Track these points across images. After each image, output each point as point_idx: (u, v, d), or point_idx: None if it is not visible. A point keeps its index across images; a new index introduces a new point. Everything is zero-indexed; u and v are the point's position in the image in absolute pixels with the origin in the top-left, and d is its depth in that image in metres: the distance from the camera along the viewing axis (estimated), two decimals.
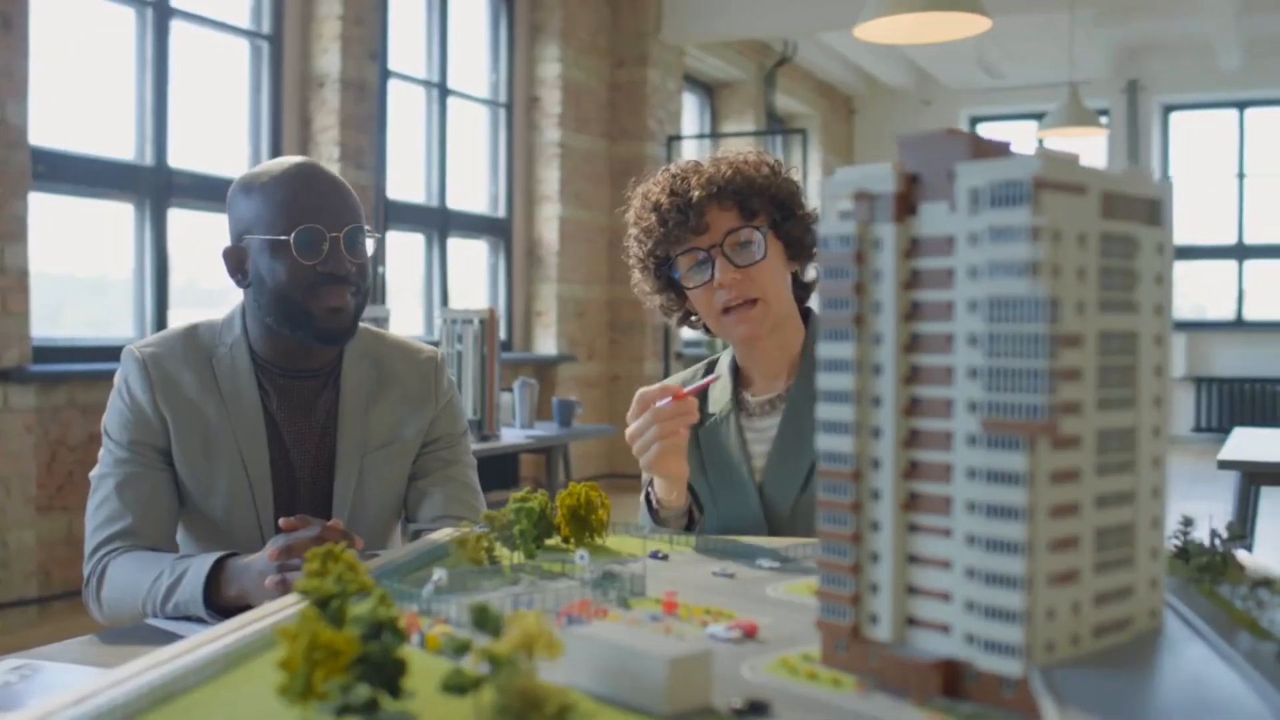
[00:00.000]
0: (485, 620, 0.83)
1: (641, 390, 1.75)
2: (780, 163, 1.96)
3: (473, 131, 7.62)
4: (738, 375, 2.02)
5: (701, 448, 1.98)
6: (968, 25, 3.65)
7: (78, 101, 5.16)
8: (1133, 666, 0.90)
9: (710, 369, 2.08)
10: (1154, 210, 0.97)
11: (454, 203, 7.31)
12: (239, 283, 1.87)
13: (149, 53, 5.25)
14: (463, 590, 1.22)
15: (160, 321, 5.31)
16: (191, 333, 1.90)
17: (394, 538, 2.01)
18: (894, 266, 0.94)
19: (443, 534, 1.65)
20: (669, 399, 1.70)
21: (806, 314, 2.04)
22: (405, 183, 6.86)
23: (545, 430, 4.99)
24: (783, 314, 1.94)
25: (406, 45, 6.84)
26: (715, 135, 10.67)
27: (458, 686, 0.81)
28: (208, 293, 5.90)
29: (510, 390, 4.97)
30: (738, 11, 8.43)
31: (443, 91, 7.15)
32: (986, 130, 12.90)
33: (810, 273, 2.03)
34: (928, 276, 0.93)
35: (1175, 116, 12.19)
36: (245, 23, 5.80)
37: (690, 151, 10.31)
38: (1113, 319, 0.92)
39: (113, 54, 5.24)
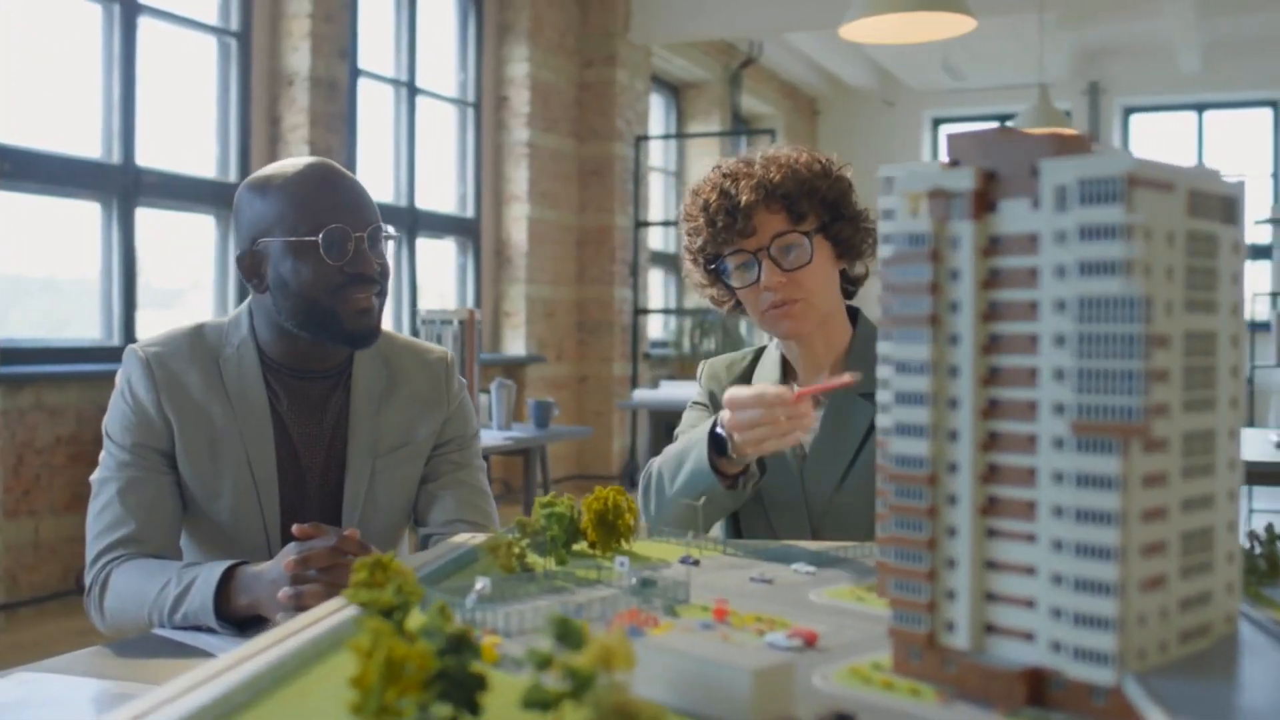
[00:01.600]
0: (568, 633, 0.80)
1: (764, 387, 1.67)
2: (832, 162, 1.94)
3: (441, 131, 7.56)
4: (785, 365, 2.03)
5: None
6: (952, 25, 3.65)
7: (44, 99, 5.06)
8: (1222, 673, 0.88)
9: (758, 355, 2.09)
10: (1230, 208, 0.96)
11: (422, 202, 7.25)
12: (255, 288, 1.82)
13: (116, 49, 5.16)
14: (506, 599, 1.19)
15: (128, 322, 5.22)
16: (197, 332, 1.85)
17: (403, 543, 1.97)
18: (973, 265, 0.91)
19: (460, 538, 1.62)
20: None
21: (855, 312, 2.04)
22: (374, 182, 6.80)
23: (522, 432, 4.94)
24: (827, 312, 1.94)
25: (375, 44, 6.78)
26: (682, 136, 10.66)
27: (539, 702, 0.78)
28: (162, 293, 5.81)
29: (487, 392, 4.93)
30: (706, 12, 8.42)
31: (411, 91, 7.08)
32: (951, 132, 12.96)
33: (859, 267, 2.02)
34: (1008, 275, 0.91)
35: (1135, 118, 12.30)
36: (214, 20, 5.72)
37: (657, 152, 10.30)
38: (1196, 319, 0.90)
39: (80, 51, 5.15)
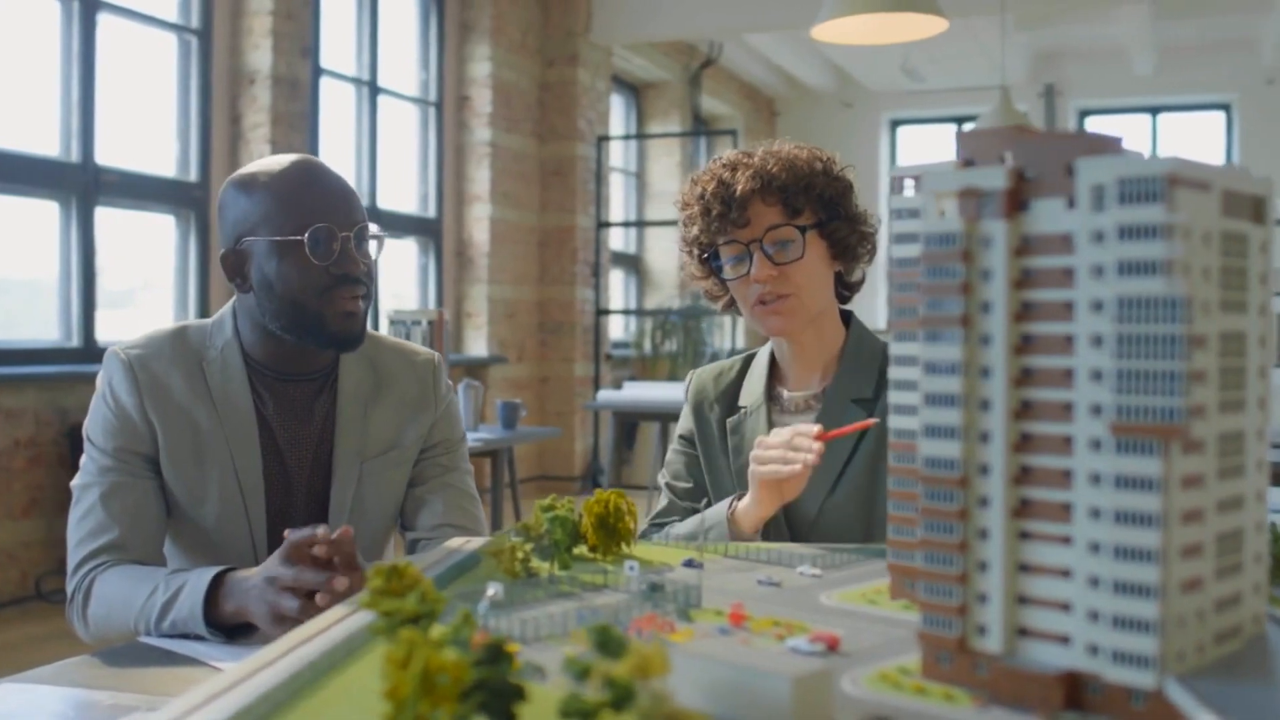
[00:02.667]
0: (608, 642, 0.78)
1: (798, 428, 1.73)
2: (834, 161, 1.93)
3: (403, 130, 7.50)
4: (773, 370, 2.02)
5: (729, 439, 1.98)
6: (923, 26, 3.66)
7: (2, 96, 4.97)
8: (1260, 674, 0.88)
9: (747, 362, 2.07)
10: (1259, 208, 0.95)
11: (384, 202, 7.19)
12: (239, 288, 1.78)
13: (75, 46, 5.08)
14: (518, 605, 1.17)
15: (88, 324, 5.14)
16: (180, 334, 1.81)
17: (389, 548, 1.94)
18: (1005, 265, 0.90)
19: (455, 543, 1.60)
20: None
21: (848, 316, 2.03)
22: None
23: (490, 433, 4.91)
24: (818, 311, 1.93)
25: (336, 42, 6.71)
26: (645, 136, 10.65)
27: (578, 713, 0.76)
28: (112, 294, 5.72)
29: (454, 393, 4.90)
30: (667, 12, 8.41)
31: (373, 90, 7.02)
32: (907, 134, 13.05)
33: (857, 273, 2.01)
34: (1041, 275, 0.90)
35: (1091, 120, 12.43)
36: (174, 17, 5.64)
37: (617, 153, 10.28)
38: (1229, 320, 0.89)
39: (38, 47, 5.06)
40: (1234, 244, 0.90)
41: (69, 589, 1.71)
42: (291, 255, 1.71)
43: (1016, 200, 0.91)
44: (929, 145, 13.17)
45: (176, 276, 5.69)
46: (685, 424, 2.08)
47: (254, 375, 1.80)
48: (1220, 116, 11.79)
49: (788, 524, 1.87)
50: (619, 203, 10.33)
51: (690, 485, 2.02)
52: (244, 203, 1.74)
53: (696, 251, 1.96)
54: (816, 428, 1.71)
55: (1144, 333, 0.83)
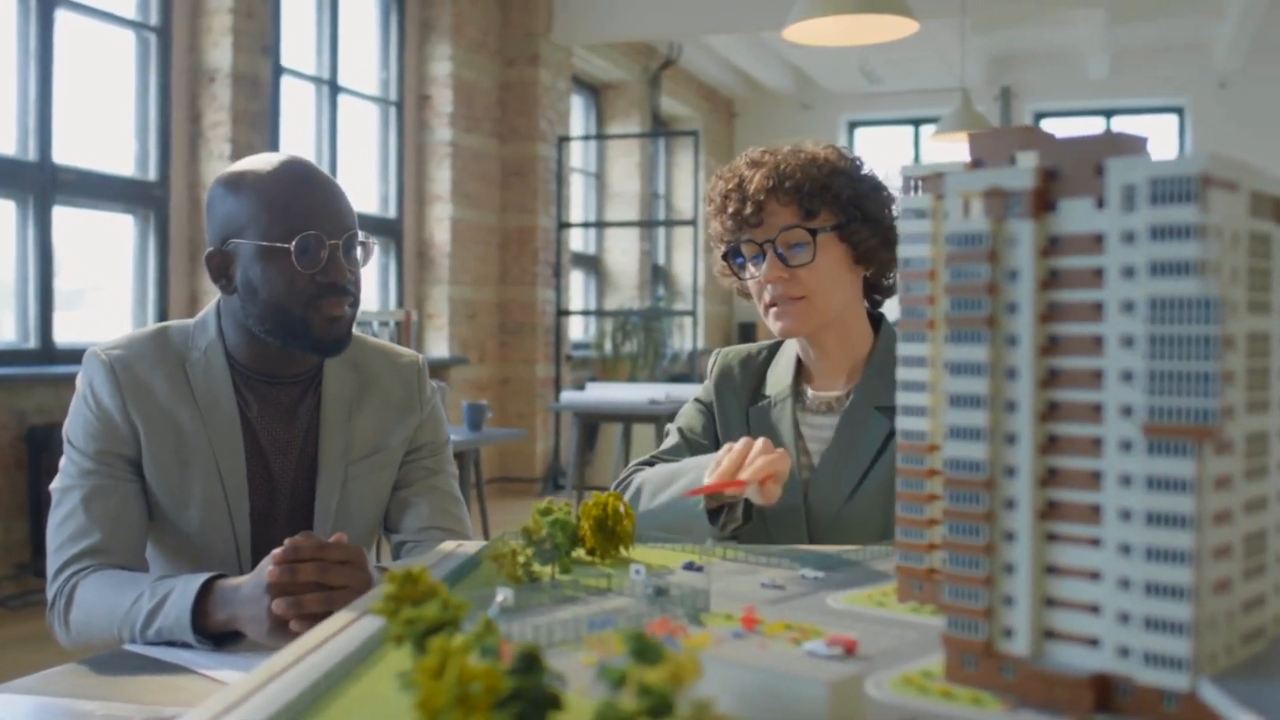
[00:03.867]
0: (645, 650, 0.76)
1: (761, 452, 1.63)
2: (860, 161, 1.90)
3: (363, 130, 7.44)
4: (799, 367, 2.00)
5: (750, 426, 1.95)
6: (894, 28, 3.67)
7: None
8: None
9: (774, 350, 2.05)
10: None
11: None
12: (224, 289, 1.75)
13: (32, 43, 5.00)
14: (528, 611, 1.15)
15: (45, 325, 5.05)
16: (162, 335, 1.77)
17: (373, 552, 1.92)
18: (1032, 265, 0.90)
19: (447, 546, 1.58)
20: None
21: (879, 318, 2.00)
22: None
23: (455, 435, 4.87)
24: (834, 315, 1.90)
25: (296, 41, 6.65)
26: (606, 137, 10.63)
27: None
28: (63, 294, 5.62)
29: None
30: (627, 13, 8.40)
31: (333, 89, 6.96)
32: (865, 135, 13.12)
33: (889, 278, 1.96)
34: (1069, 276, 0.89)
35: (1046, 123, 12.54)
36: (132, 14, 5.56)
37: (577, 153, 10.25)
38: (1255, 320, 0.89)
39: None
40: (1259, 244, 0.90)
41: (49, 594, 1.67)
42: (278, 261, 1.67)
43: (1043, 200, 0.90)
44: (886, 147, 13.25)
45: (135, 277, 5.61)
46: (706, 394, 2.05)
47: (238, 377, 1.77)
48: (1173, 119, 11.94)
49: (807, 525, 1.85)
50: (579, 203, 10.31)
51: (705, 443, 1.99)
52: (231, 203, 1.71)
53: (720, 249, 1.94)
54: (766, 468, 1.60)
55: (1177, 334, 0.82)
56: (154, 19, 5.62)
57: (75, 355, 5.08)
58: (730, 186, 1.86)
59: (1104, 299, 0.87)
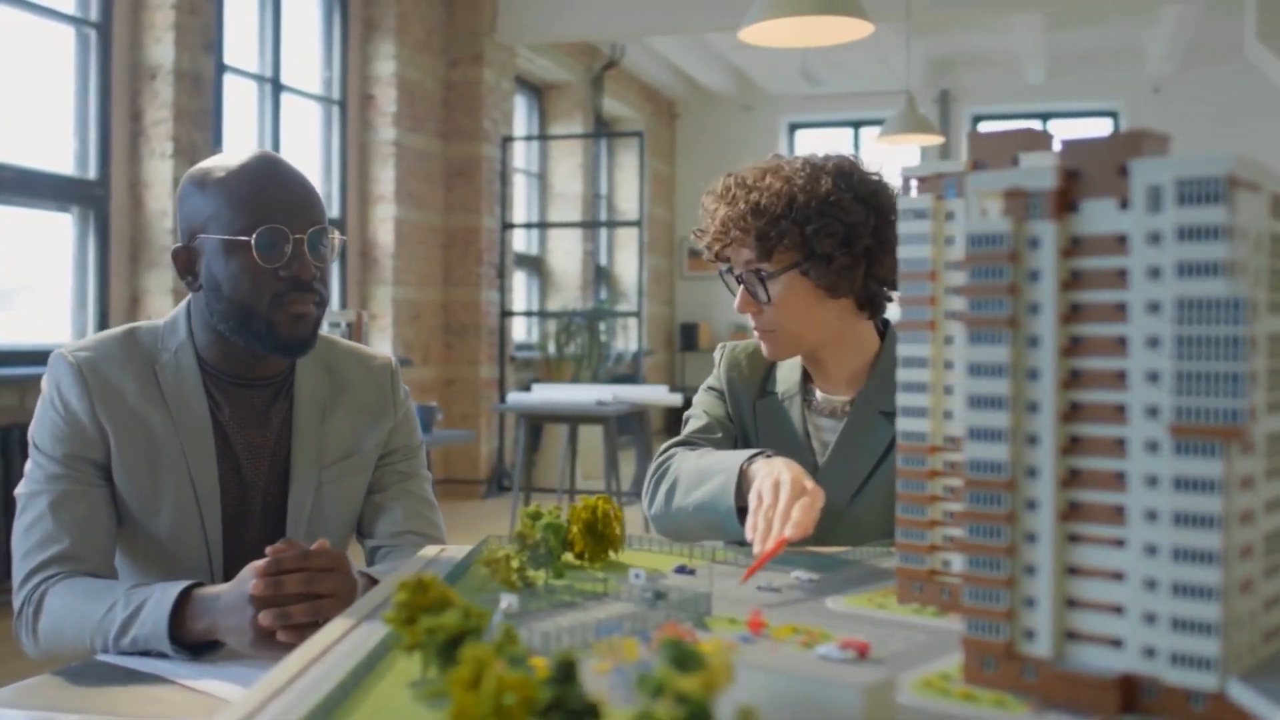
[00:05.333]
0: (684, 657, 0.75)
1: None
2: (838, 189, 1.79)
3: (306, 129, 7.34)
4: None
5: (759, 420, 1.95)
6: (850, 30, 3.68)
7: None
8: None
9: None
10: None
11: None
12: (190, 285, 1.70)
13: None
14: (529, 617, 1.13)
15: None
16: (130, 336, 1.72)
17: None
18: (1054, 266, 0.90)
19: (429, 551, 1.55)
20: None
21: (885, 324, 1.98)
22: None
23: None
24: (813, 344, 1.88)
25: (238, 38, 6.54)
26: (550, 137, 10.59)
27: None
28: (5, 293, 5.51)
29: None
30: (572, 13, 8.37)
31: (276, 87, 6.86)
32: (806, 137, 13.19)
33: (879, 289, 1.90)
34: (1091, 276, 0.89)
35: (983, 126, 12.68)
36: (72, 9, 5.43)
37: (520, 153, 10.20)
38: (1276, 321, 0.90)
39: None
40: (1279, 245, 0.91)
41: (16, 602, 1.62)
42: (240, 256, 1.63)
43: (1065, 201, 0.90)
44: (827, 149, 13.30)
45: (75, 276, 5.49)
46: (718, 381, 2.03)
47: (208, 379, 1.73)
48: (1108, 123, 12.13)
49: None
50: (521, 204, 10.26)
51: (730, 425, 1.99)
52: (197, 198, 1.68)
53: (711, 258, 1.94)
54: (798, 531, 1.49)
55: (1204, 334, 0.83)
56: (94, 14, 5.50)
57: (11, 356, 4.97)
58: (704, 212, 1.88)
59: (1128, 300, 0.87)
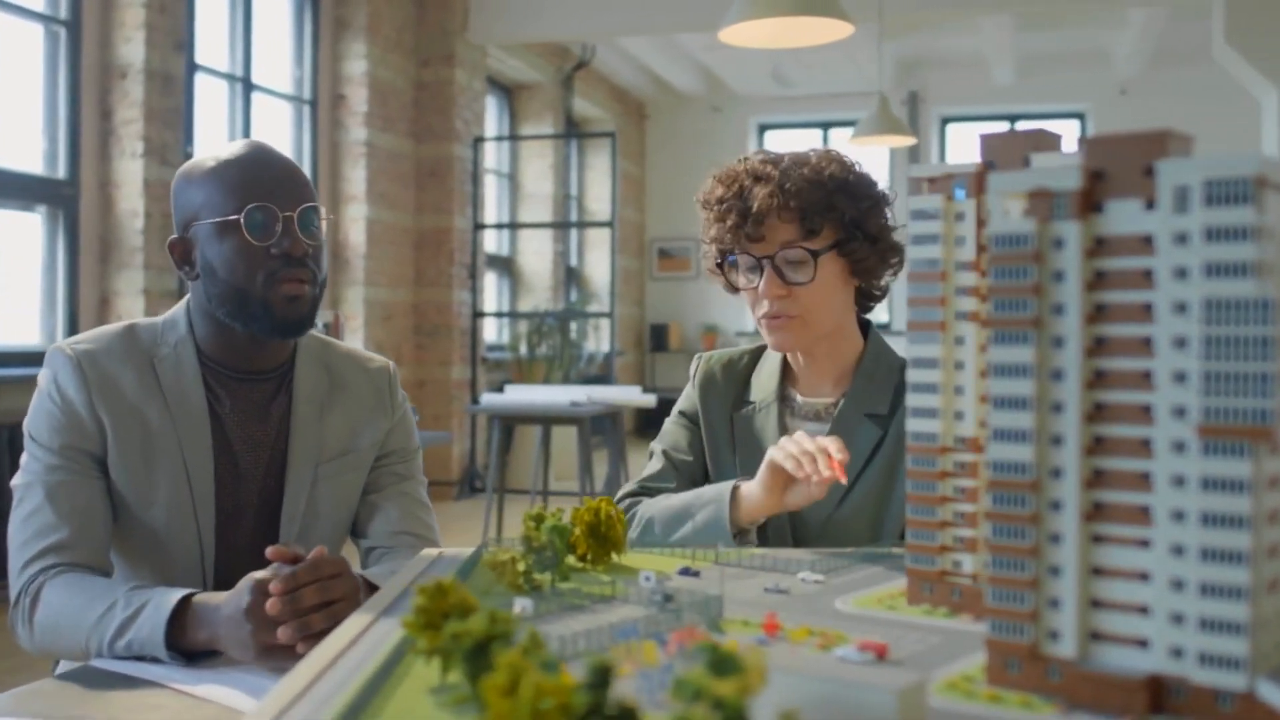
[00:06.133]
0: (723, 662, 0.74)
1: (827, 443, 1.63)
2: (864, 176, 1.85)
3: (277, 129, 7.29)
4: (786, 369, 1.97)
5: (735, 433, 1.93)
6: (829, 30, 3.69)
7: None
8: None
9: (758, 354, 2.02)
10: None
11: None
12: (187, 274, 1.73)
13: None
14: (545, 621, 1.12)
15: None
16: (129, 332, 1.74)
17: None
18: (1078, 266, 0.90)
19: (428, 554, 1.54)
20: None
21: (866, 323, 1.97)
22: None
23: None
24: (827, 331, 1.88)
25: (209, 37, 6.49)
26: (522, 138, 10.57)
27: None
28: None
29: None
30: (544, 13, 8.35)
31: (246, 86, 6.81)
32: (775, 138, 13.22)
33: (882, 284, 1.93)
34: (1116, 277, 0.89)
35: (952, 127, 12.77)
36: (41, 6, 5.37)
37: (490, 154, 10.17)
38: None
39: None
40: None
41: (13, 591, 1.61)
42: (232, 237, 1.66)
43: (1090, 201, 0.90)
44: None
45: (44, 277, 5.43)
46: (689, 403, 2.02)
47: (208, 373, 1.74)
48: (1075, 125, 12.22)
49: (792, 532, 1.83)
50: (492, 204, 10.23)
51: (691, 459, 1.96)
52: (190, 190, 1.72)
53: (714, 251, 1.90)
54: (844, 454, 1.61)
55: (1233, 334, 0.83)
56: (63, 12, 5.44)
57: None
58: (730, 195, 1.82)
59: (1154, 300, 0.87)
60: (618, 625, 1.07)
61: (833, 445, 1.61)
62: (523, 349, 9.66)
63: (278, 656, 1.37)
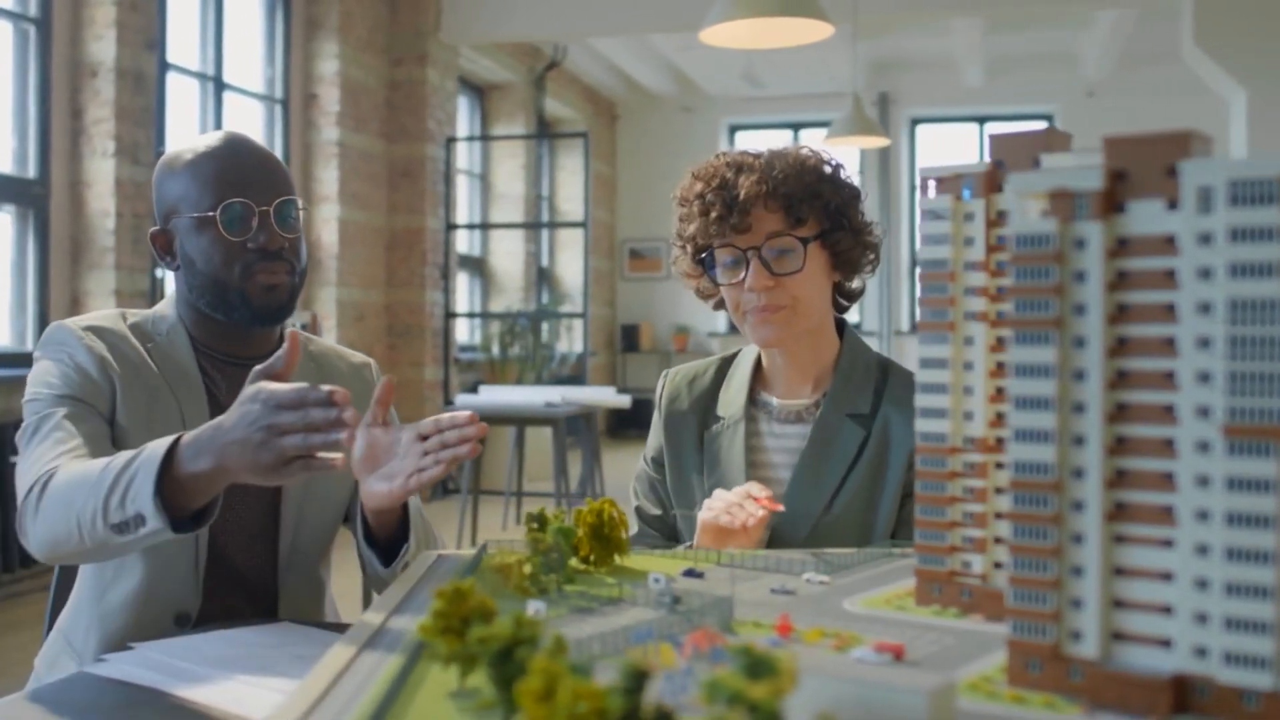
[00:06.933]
0: (759, 665, 0.74)
1: (750, 486, 1.74)
2: (843, 167, 1.85)
3: (249, 128, 7.24)
4: (757, 375, 1.95)
5: (706, 453, 1.91)
6: (809, 31, 3.70)
7: None
8: None
9: (725, 365, 1.99)
10: None
11: None
12: (169, 265, 1.77)
13: None
14: (559, 625, 1.11)
15: None
16: (124, 318, 1.77)
17: (330, 554, 1.87)
18: (1100, 267, 0.90)
19: (428, 555, 1.53)
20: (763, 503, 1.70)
21: (843, 325, 1.96)
22: None
23: None
24: (813, 324, 1.86)
25: (180, 36, 6.43)
26: (494, 138, 10.54)
27: None
28: None
29: None
30: (518, 12, 8.33)
31: (218, 85, 6.76)
32: (746, 139, 13.24)
33: (856, 281, 1.93)
34: (1138, 277, 0.89)
35: (922, 128, 12.83)
36: (10, 4, 5.31)
37: (462, 154, 10.14)
38: None
39: None
40: None
41: (21, 493, 1.54)
42: (209, 232, 1.70)
43: (1112, 201, 0.90)
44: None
45: (14, 277, 5.37)
46: (655, 440, 1.99)
47: (203, 358, 1.77)
48: (1043, 126, 12.30)
49: (785, 535, 1.81)
50: (463, 205, 10.20)
51: (659, 513, 1.95)
52: (168, 182, 1.75)
53: (690, 249, 1.87)
54: (766, 491, 1.72)
55: (1258, 335, 0.83)
56: (33, 10, 5.37)
57: None
58: (711, 189, 1.80)
59: (1177, 300, 0.87)
60: (632, 628, 1.06)
61: (753, 488, 1.71)
62: (495, 350, 9.64)
63: (291, 468, 1.32)
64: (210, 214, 1.68)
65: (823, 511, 1.80)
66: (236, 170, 1.71)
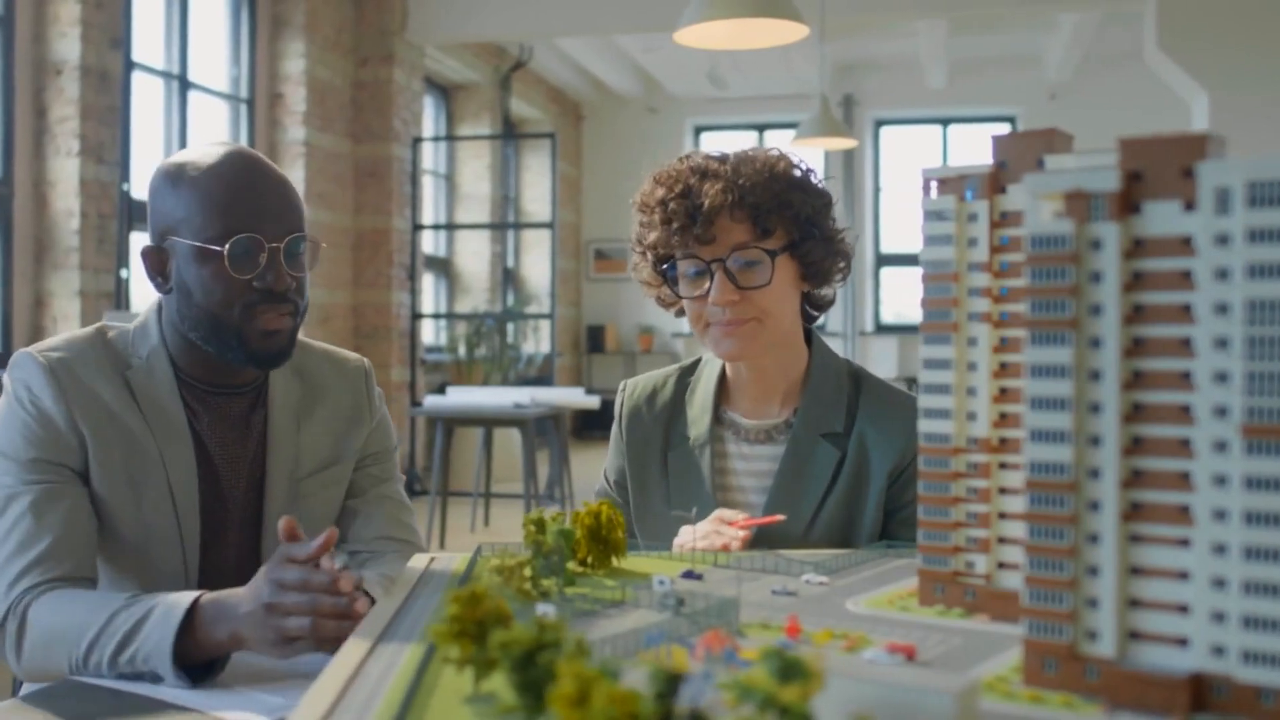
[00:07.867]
0: (791, 667, 0.73)
1: (721, 512, 1.70)
2: (813, 173, 1.76)
3: (214, 128, 7.17)
4: (721, 390, 1.87)
5: (670, 475, 1.84)
6: (784, 32, 3.70)
7: None
8: None
9: (685, 376, 1.91)
10: None
11: None
12: (159, 287, 1.64)
13: None
14: (575, 628, 1.10)
15: None
16: (100, 338, 1.64)
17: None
18: (1116, 267, 0.90)
19: (421, 559, 1.51)
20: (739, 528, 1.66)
21: (810, 334, 1.88)
22: (145, 181, 6.38)
23: None
24: (780, 337, 1.78)
25: (145, 34, 6.37)
26: (461, 138, 10.51)
27: None
28: None
29: None
30: (485, 12, 8.30)
31: (183, 84, 6.70)
32: (711, 140, 13.25)
33: (827, 290, 1.85)
34: (1154, 278, 0.90)
35: (885, 130, 12.89)
36: None
37: (428, 154, 10.10)
38: None
39: None
40: None
41: (1, 617, 1.51)
42: (211, 264, 1.56)
43: (1128, 202, 0.91)
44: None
45: None
46: (616, 461, 1.92)
47: (184, 387, 1.66)
48: (1006, 128, 12.40)
49: None
50: (429, 205, 10.16)
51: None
52: (170, 198, 1.60)
53: (651, 258, 1.79)
54: (741, 515, 1.66)
55: (1277, 335, 0.83)
56: None
57: None
58: (673, 195, 1.70)
59: (1193, 301, 0.88)
60: (643, 631, 1.06)
61: (726, 514, 1.67)
62: (461, 351, 9.60)
63: (298, 649, 1.33)
64: (216, 248, 1.55)
65: (800, 538, 1.74)
66: (250, 201, 1.56)
